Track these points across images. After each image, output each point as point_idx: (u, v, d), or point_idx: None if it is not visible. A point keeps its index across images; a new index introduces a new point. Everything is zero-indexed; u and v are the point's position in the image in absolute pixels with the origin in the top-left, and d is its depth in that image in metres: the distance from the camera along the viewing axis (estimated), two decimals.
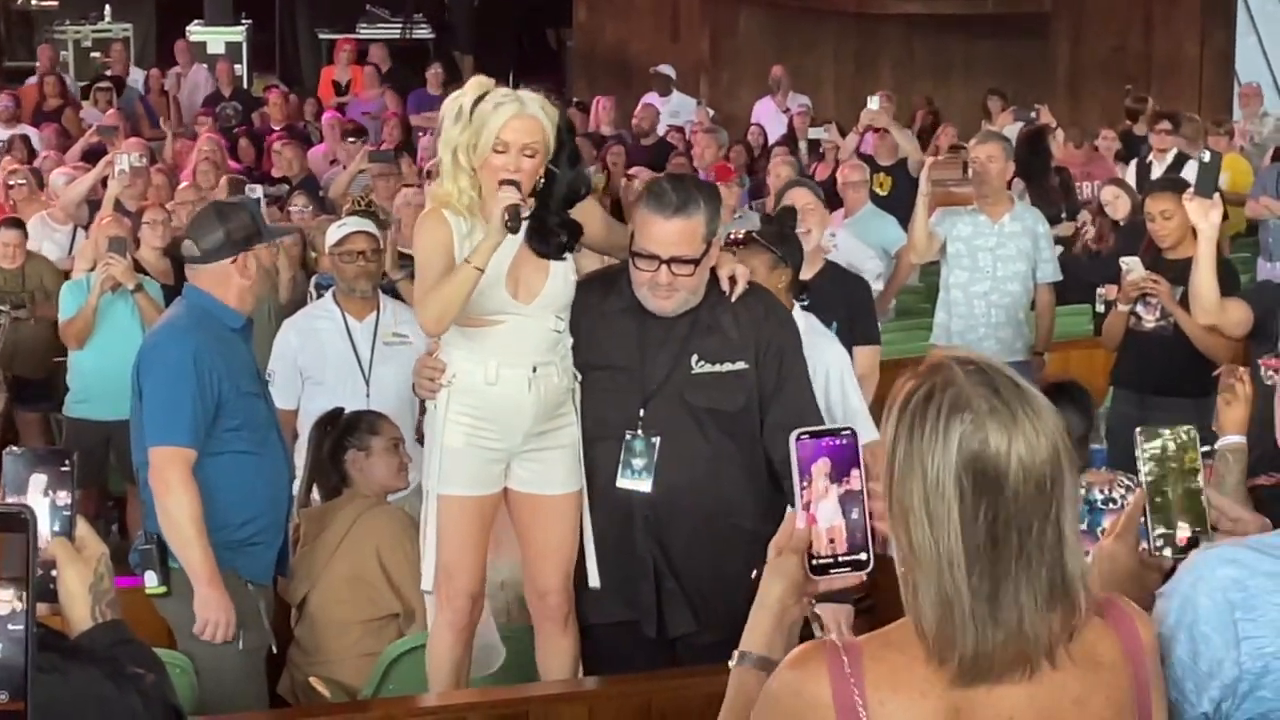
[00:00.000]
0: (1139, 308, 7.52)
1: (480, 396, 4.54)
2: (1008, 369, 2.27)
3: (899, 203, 11.79)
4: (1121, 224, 9.89)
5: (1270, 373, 2.50)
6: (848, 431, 2.40)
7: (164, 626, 5.22)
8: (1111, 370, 7.80)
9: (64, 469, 2.59)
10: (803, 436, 2.39)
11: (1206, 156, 6.45)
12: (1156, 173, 11.65)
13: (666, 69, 17.15)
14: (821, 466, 2.38)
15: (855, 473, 2.38)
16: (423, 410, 6.78)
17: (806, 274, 6.91)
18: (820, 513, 2.38)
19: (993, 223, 8.25)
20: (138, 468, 5.24)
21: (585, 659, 4.90)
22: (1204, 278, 6.45)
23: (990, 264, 8.22)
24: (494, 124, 4.40)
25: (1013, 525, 2.19)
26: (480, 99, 4.44)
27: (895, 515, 2.24)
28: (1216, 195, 6.28)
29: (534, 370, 4.55)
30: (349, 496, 5.81)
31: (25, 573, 2.16)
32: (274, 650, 5.41)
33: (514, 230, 4.36)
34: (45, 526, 2.56)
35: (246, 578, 5.21)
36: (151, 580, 5.06)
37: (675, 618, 4.76)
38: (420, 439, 6.79)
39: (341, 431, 5.91)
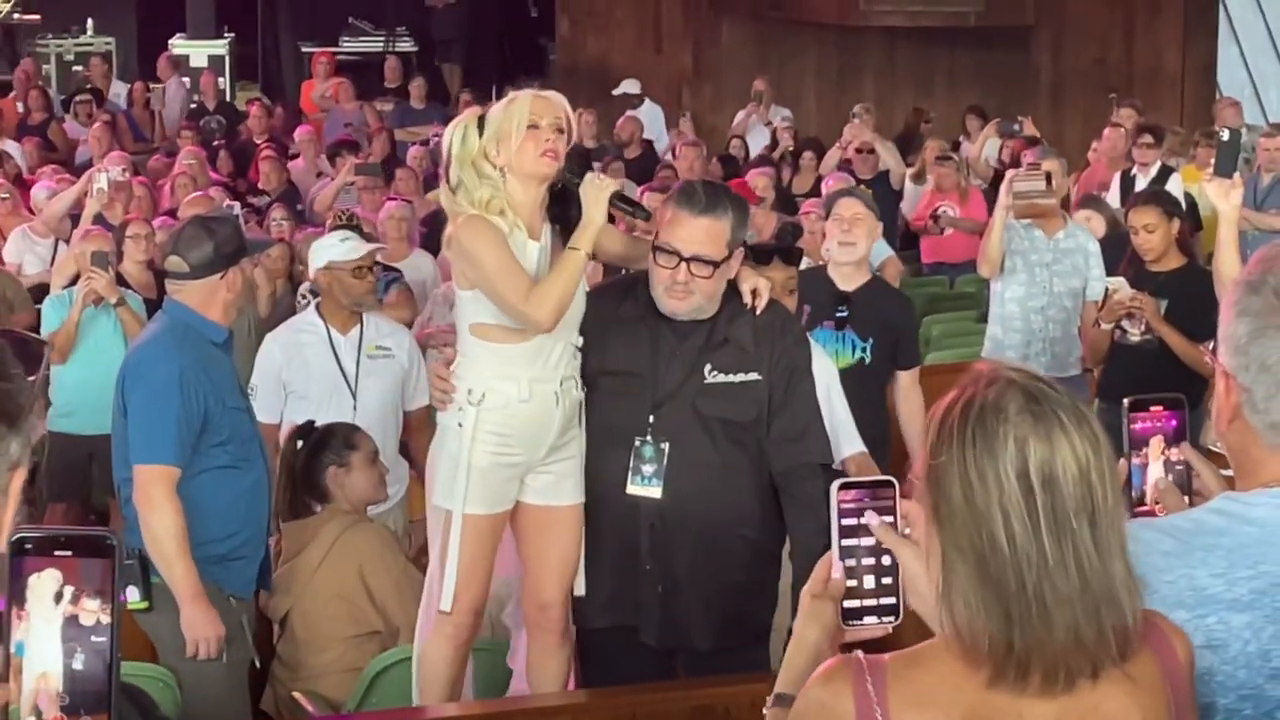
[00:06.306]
0: (1124, 321, 7.53)
1: (512, 414, 4.53)
2: (1064, 393, 2.25)
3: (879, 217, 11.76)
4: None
5: (1208, 358, 2.52)
6: (888, 482, 2.42)
7: (146, 642, 5.21)
8: (1097, 383, 7.81)
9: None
10: (845, 486, 2.40)
11: (1225, 135, 6.12)
12: (1140, 186, 11.61)
13: (631, 84, 17.03)
14: (865, 516, 2.39)
15: (891, 522, 2.39)
16: (407, 423, 6.81)
17: (850, 285, 6.82)
18: (857, 562, 2.40)
19: (1048, 238, 8.19)
20: (119, 483, 5.22)
21: (581, 664, 4.89)
22: (1227, 258, 5.94)
23: (1047, 280, 8.14)
24: (519, 111, 4.43)
25: (1055, 533, 2.18)
26: (482, 118, 4.49)
27: (935, 513, 2.23)
28: (1237, 175, 5.95)
29: (560, 384, 4.57)
30: (330, 513, 5.77)
31: (110, 588, 2.12)
32: (257, 665, 5.39)
33: (634, 210, 4.62)
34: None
35: (229, 591, 5.19)
36: (133, 595, 5.04)
37: (677, 626, 4.74)
38: (403, 452, 6.80)
39: (315, 447, 5.86)
